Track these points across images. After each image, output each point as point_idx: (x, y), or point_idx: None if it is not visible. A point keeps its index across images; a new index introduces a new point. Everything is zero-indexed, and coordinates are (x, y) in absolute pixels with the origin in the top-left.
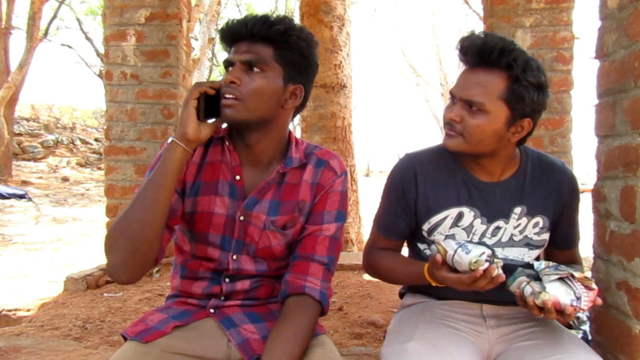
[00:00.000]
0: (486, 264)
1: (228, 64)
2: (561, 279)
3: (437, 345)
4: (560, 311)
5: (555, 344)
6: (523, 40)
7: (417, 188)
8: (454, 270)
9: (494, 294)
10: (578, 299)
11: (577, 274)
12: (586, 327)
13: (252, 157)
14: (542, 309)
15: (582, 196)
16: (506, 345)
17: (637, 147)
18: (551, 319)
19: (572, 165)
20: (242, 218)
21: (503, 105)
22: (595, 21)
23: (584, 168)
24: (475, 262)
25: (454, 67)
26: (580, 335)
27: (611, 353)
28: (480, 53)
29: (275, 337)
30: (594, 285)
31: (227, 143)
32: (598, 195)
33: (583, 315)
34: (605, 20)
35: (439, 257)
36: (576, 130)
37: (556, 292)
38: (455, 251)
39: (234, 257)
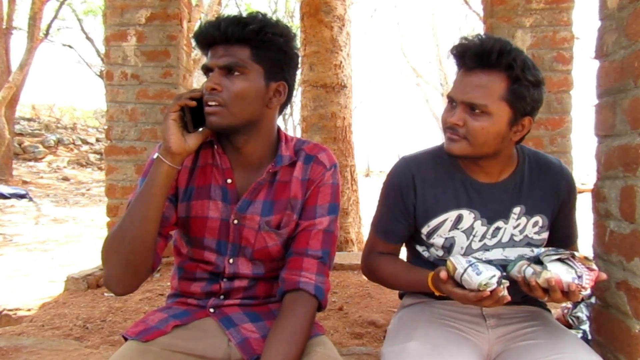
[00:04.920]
0: (494, 286)
1: (207, 69)
2: (562, 260)
3: (437, 345)
4: (565, 292)
5: (555, 344)
6: (523, 40)
7: (416, 192)
8: (460, 285)
9: None
10: (579, 277)
11: (577, 254)
12: (586, 326)
13: (242, 160)
14: (546, 290)
15: (582, 196)
16: (506, 344)
17: (637, 147)
18: (557, 301)
19: (572, 165)
20: (235, 222)
21: (505, 105)
22: (595, 21)
23: (584, 168)
24: (485, 285)
25: (454, 68)
26: (580, 335)
27: (611, 353)
28: (479, 55)
29: (272, 337)
30: (594, 266)
31: (215, 147)
32: (598, 195)
33: (583, 315)
34: (605, 20)
35: (443, 274)
36: (576, 130)
37: (557, 271)
38: (465, 270)
39: (230, 260)
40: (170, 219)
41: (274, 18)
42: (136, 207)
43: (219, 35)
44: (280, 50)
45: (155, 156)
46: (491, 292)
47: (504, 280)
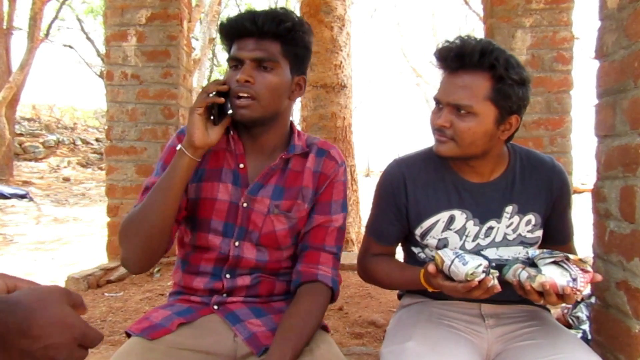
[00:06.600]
0: (482, 275)
1: (236, 61)
2: (556, 263)
3: (436, 344)
4: (560, 295)
5: (554, 344)
6: (523, 40)
7: (407, 194)
8: (449, 278)
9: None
10: (574, 279)
11: (572, 257)
12: (586, 326)
13: (256, 147)
14: (541, 293)
15: (582, 196)
16: (505, 344)
17: (637, 147)
18: (552, 303)
19: (572, 165)
20: (245, 204)
21: (490, 105)
22: (595, 21)
23: (584, 168)
24: (471, 274)
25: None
26: (579, 335)
27: (611, 352)
28: (461, 56)
29: (288, 314)
30: (589, 268)
31: (231, 132)
32: (598, 195)
33: (583, 315)
34: (605, 21)
35: (431, 268)
36: (576, 130)
37: (552, 274)
38: (452, 261)
39: (236, 243)
40: (182, 205)
41: (298, 15)
42: (156, 195)
43: (255, 29)
44: (305, 47)
45: (178, 147)
46: (480, 282)
47: (492, 270)
